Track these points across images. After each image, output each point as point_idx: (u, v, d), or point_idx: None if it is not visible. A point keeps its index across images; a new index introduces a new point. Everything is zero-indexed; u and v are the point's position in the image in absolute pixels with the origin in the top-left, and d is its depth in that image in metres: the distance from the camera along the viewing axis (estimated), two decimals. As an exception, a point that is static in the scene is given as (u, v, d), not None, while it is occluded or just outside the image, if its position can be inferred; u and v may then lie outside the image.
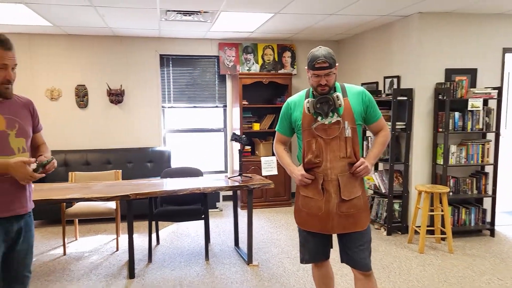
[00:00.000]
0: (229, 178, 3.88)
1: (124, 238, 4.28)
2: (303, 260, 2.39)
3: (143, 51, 5.82)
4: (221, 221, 5.15)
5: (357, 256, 2.27)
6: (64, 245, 3.95)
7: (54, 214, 4.77)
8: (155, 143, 6.00)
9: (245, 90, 5.89)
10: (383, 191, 4.67)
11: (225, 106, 6.30)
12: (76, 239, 4.39)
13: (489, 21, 4.46)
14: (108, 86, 5.70)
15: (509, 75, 5.51)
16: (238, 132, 5.88)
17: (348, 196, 2.23)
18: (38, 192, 3.21)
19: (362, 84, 5.54)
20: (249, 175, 4.04)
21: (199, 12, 4.19)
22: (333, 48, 6.39)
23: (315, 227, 2.29)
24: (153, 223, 3.99)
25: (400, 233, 4.61)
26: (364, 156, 2.33)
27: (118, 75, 5.76)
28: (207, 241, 3.81)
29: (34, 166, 1.87)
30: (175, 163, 5.94)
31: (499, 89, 4.33)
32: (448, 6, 4.12)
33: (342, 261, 2.37)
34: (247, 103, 5.88)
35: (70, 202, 3.69)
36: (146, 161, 5.72)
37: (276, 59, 6.31)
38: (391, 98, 4.45)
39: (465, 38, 4.45)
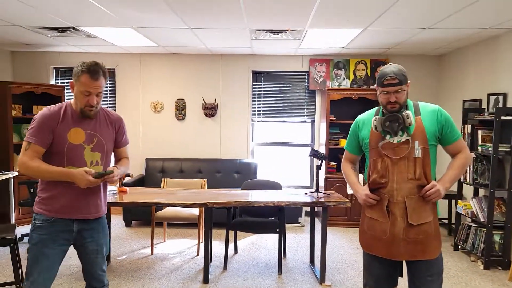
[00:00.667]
0: (305, 193, 3.88)
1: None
2: (366, 286, 2.29)
3: (236, 67, 6.16)
4: (301, 237, 5.14)
5: (425, 287, 2.10)
6: (152, 245, 4.34)
7: (148, 215, 5.28)
8: (243, 155, 6.26)
9: (333, 106, 5.85)
10: (482, 219, 4.20)
11: (314, 121, 6.31)
12: (164, 241, 4.78)
13: None
14: (204, 100, 6.14)
15: None
16: (323, 148, 5.84)
17: (416, 221, 2.09)
18: (131, 195, 3.61)
19: (464, 102, 5.09)
20: (328, 192, 3.99)
21: (286, 30, 4.32)
22: (434, 62, 5.99)
23: (380, 252, 2.19)
24: (232, 232, 4.17)
25: (500, 268, 4.08)
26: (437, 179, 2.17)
27: (213, 90, 6.18)
28: (281, 255, 3.84)
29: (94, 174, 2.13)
30: (260, 175, 6.12)
31: None
32: None
33: (409, 292, 2.21)
34: (334, 118, 5.82)
35: (157, 206, 4.05)
36: (233, 172, 6.00)
37: (369, 74, 6.14)
38: (493, 117, 4.01)
39: None
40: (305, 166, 6.44)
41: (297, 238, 5.07)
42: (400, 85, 2.10)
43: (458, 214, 4.66)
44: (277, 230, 3.89)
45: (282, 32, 4.44)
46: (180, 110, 6.19)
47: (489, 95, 4.52)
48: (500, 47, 4.35)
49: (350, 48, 5.50)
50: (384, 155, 2.16)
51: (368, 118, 2.32)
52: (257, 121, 6.34)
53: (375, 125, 2.17)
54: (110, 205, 3.30)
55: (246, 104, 6.23)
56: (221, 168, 6.03)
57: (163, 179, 4.57)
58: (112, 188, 3.84)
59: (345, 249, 4.68)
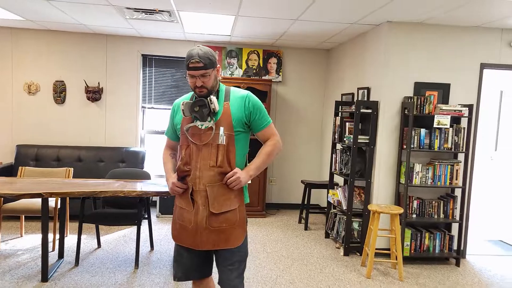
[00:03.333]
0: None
1: (66, 239, 4.24)
2: (175, 277, 2.21)
3: (124, 50, 5.83)
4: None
5: (225, 276, 2.08)
6: (-1, 240, 3.96)
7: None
8: (131, 143, 5.97)
9: (223, 95, 5.76)
10: (344, 208, 4.39)
11: (207, 110, 6.18)
12: (21, 236, 4.38)
13: (465, 34, 4.12)
14: (86, 83, 5.74)
15: (502, 93, 5.08)
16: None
17: (218, 209, 2.05)
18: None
19: (342, 95, 5.29)
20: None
21: (154, 10, 4.12)
22: (323, 56, 6.16)
23: (187, 242, 2.12)
24: (95, 226, 3.91)
25: (358, 254, 4.30)
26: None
27: (97, 72, 5.79)
28: (138, 248, 3.67)
29: None
30: (149, 165, 5.89)
31: (470, 107, 3.97)
32: (417, 16, 3.83)
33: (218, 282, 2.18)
34: (224, 108, 5.74)
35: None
36: (118, 161, 5.69)
37: (261, 65, 6.15)
38: (354, 109, 4.18)
39: (438, 51, 4.12)
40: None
41: (175, 229, 4.94)
42: (205, 69, 2.02)
43: (329, 203, 4.84)
44: (136, 222, 3.72)
45: (155, 13, 4.23)
46: (59, 92, 5.73)
47: (358, 89, 4.73)
48: (367, 43, 4.55)
49: (239, 37, 5.44)
50: (190, 141, 2.08)
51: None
52: (148, 108, 6.08)
53: (183, 110, 2.09)
54: None
55: (136, 90, 5.93)
56: (105, 156, 5.69)
57: (20, 167, 4.17)
58: None
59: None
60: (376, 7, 3.62)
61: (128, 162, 5.70)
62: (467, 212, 4.23)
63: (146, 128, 6.14)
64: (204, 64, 2.01)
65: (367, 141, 4.23)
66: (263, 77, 6.11)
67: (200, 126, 2.09)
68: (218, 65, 2.12)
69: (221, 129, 2.06)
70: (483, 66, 4.15)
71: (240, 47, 6.06)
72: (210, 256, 2.20)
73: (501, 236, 5.00)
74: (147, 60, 6.00)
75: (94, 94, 5.75)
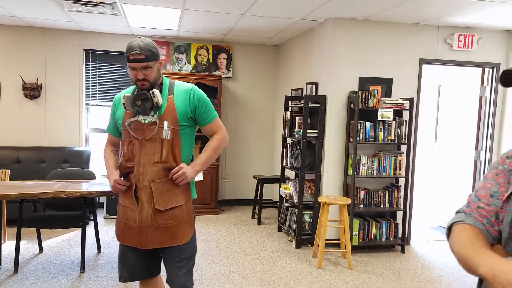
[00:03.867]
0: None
1: (5, 246, 3.96)
2: (121, 278, 2.13)
3: (64, 44, 5.52)
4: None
5: (173, 274, 2.03)
6: None
7: None
8: (75, 143, 5.68)
9: (172, 91, 5.61)
10: (296, 201, 4.45)
11: (157, 107, 6.01)
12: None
13: (405, 31, 4.31)
14: (23, 80, 5.37)
15: (439, 87, 5.38)
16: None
17: (163, 206, 1.99)
18: None
19: (292, 90, 5.35)
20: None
21: (95, 3, 3.93)
22: (272, 52, 6.19)
23: (131, 241, 2.04)
24: (36, 230, 3.67)
25: (310, 245, 4.39)
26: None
27: (35, 68, 5.44)
28: (84, 251, 3.50)
29: None
30: (95, 164, 5.63)
31: (411, 100, 4.17)
32: (360, 13, 3.95)
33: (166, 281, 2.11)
34: (173, 104, 5.61)
35: None
36: (61, 161, 5.39)
37: (211, 61, 6.08)
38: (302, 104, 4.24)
39: (381, 47, 4.28)
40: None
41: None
42: (147, 61, 1.95)
43: (281, 197, 4.89)
44: (80, 224, 3.53)
45: (96, 5, 4.04)
46: (-7, 90, 5.32)
47: (306, 84, 4.80)
48: (314, 39, 4.64)
49: (187, 31, 5.33)
50: (133, 136, 2.00)
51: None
52: (92, 105, 5.81)
53: (124, 104, 2.00)
54: None
55: (78, 86, 5.64)
56: (46, 157, 5.36)
57: None
58: None
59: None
60: (320, 3, 3.69)
61: (72, 162, 5.42)
62: (410, 201, 4.44)
63: (91, 126, 5.87)
64: (146, 56, 1.94)
65: (316, 135, 4.31)
66: (213, 73, 6.04)
67: (142, 121, 2.01)
68: (161, 58, 2.05)
69: (165, 123, 2.00)
70: (422, 61, 4.37)
71: (189, 42, 5.95)
72: (157, 254, 2.13)
73: (442, 223, 5.31)
74: (90, 55, 5.73)
75: (32, 91, 5.40)
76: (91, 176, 3.94)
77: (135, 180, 1.99)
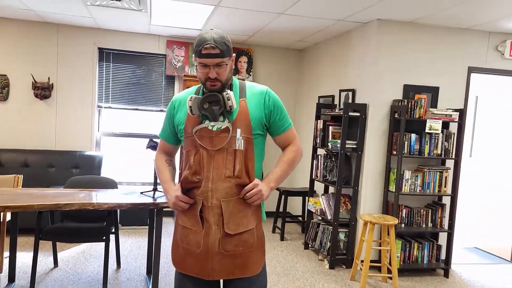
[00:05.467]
0: (141, 193, 3.25)
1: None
2: (176, 315, 1.77)
3: (78, 42, 5.18)
4: (147, 242, 4.46)
5: (244, 313, 1.67)
6: None
7: None
8: (86, 147, 5.31)
9: (192, 95, 5.26)
10: (329, 217, 4.11)
11: (172, 111, 5.66)
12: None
13: (454, 36, 4.03)
14: (34, 78, 5.01)
15: (477, 98, 5.11)
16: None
17: (234, 230, 1.65)
18: None
19: (320, 98, 5.03)
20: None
21: (123, -4, 3.61)
22: (296, 57, 5.88)
23: (193, 269, 1.69)
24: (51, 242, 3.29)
25: (344, 267, 4.04)
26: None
27: (46, 67, 5.08)
28: (107, 266, 3.13)
29: None
30: (106, 170, 5.26)
31: (461, 112, 3.87)
32: (409, 14, 3.66)
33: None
34: (192, 109, 5.26)
35: None
36: (71, 167, 5.02)
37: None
38: (342, 113, 3.92)
39: (427, 53, 3.99)
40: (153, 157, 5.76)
41: (142, 244, 4.40)
42: (222, 57, 1.62)
43: (310, 212, 4.55)
44: (104, 238, 3.17)
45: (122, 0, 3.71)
46: (1, 88, 4.94)
47: (340, 91, 4.49)
48: (351, 43, 4.34)
49: (210, 32, 5.01)
50: (200, 145, 1.66)
51: (186, 98, 1.80)
52: (105, 107, 5.45)
53: (191, 107, 1.66)
54: None
55: (91, 87, 5.29)
56: (55, 161, 4.99)
57: (-48, 175, 3.45)
58: None
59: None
60: (370, 3, 3.39)
61: (82, 167, 5.06)
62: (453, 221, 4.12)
63: (103, 130, 5.51)
64: (221, 51, 1.61)
65: (355, 146, 3.99)
66: (233, 77, 5.71)
67: (210, 127, 1.67)
68: (234, 54, 1.72)
69: (238, 131, 1.67)
70: (470, 69, 4.08)
71: (210, 44, 5.62)
72: (219, 286, 1.78)
73: (476, 243, 5.00)
74: (104, 54, 5.38)
75: (43, 91, 5.03)
76: (113, 185, 3.58)
77: (201, 198, 1.65)
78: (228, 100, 1.64)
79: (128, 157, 5.64)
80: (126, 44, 5.34)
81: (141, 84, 5.54)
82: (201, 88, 1.77)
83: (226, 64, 1.65)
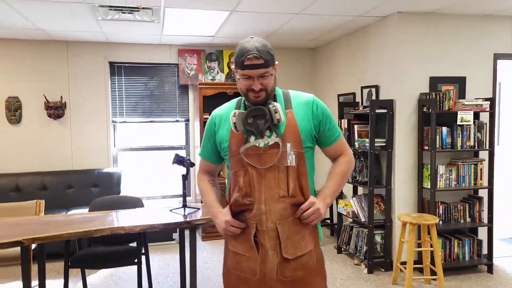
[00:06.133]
0: (171, 210, 3.13)
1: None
2: None
3: (89, 58, 5.08)
4: (175, 258, 4.34)
5: None
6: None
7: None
8: (103, 164, 5.21)
9: (207, 102, 5.12)
10: (363, 220, 3.97)
11: (188, 120, 5.57)
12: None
13: (478, 23, 3.87)
14: (46, 98, 4.92)
15: (500, 85, 4.93)
16: (198, 151, 5.13)
17: (293, 254, 1.53)
18: None
19: (339, 96, 4.89)
20: (200, 205, 3.30)
21: (137, 8, 3.49)
22: (309, 56, 5.74)
23: (249, 300, 1.56)
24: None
25: (383, 270, 3.89)
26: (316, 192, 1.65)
27: (58, 85, 4.99)
28: (141, 290, 3.02)
29: None
30: (126, 187, 5.16)
31: (492, 100, 3.72)
32: (431, 5, 3.51)
33: None
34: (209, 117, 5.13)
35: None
36: (90, 186, 4.93)
37: (244, 68, 5.62)
38: (368, 110, 3.78)
39: (451, 43, 3.83)
40: (182, 171, 5.63)
41: (170, 260, 4.28)
42: (266, 66, 1.50)
43: (340, 215, 4.41)
44: (136, 260, 3.06)
45: (135, 11, 3.60)
46: (14, 111, 4.86)
47: (362, 88, 4.35)
48: (370, 38, 4.19)
49: (221, 37, 4.90)
50: (248, 164, 1.54)
51: (227, 113, 1.68)
52: (120, 122, 5.36)
53: (235, 123, 1.54)
54: None
55: (104, 102, 5.19)
56: (73, 181, 4.90)
57: (-26, 206, 3.36)
58: None
59: (224, 267, 4.06)
60: (394, -5, 3.26)
61: (101, 186, 4.97)
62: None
63: (119, 146, 5.41)
64: (265, 61, 1.49)
65: (384, 144, 3.85)
66: (248, 81, 5.59)
67: (259, 144, 1.55)
68: (277, 62, 1.59)
69: (288, 145, 1.54)
70: (496, 56, 3.92)
71: (221, 49, 5.51)
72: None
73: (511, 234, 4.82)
74: (116, 68, 5.29)
75: (56, 110, 4.94)
76: (139, 204, 3.46)
77: (254, 221, 1.53)
78: (276, 113, 1.51)
79: (148, 171, 5.53)
80: (137, 56, 5.24)
81: (154, 96, 5.43)
82: (242, 101, 1.65)
83: (271, 74, 1.53)
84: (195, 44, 5.32)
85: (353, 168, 1.76)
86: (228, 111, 1.67)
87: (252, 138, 1.57)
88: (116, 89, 5.30)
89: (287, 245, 1.52)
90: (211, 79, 5.47)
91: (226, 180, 1.72)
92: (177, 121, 5.56)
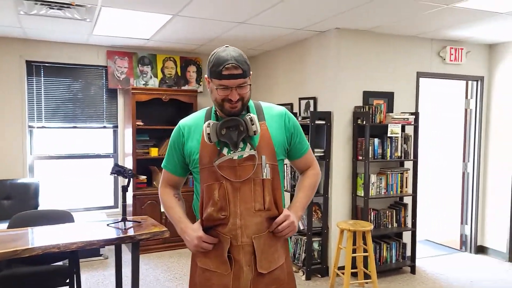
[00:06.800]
0: (108, 225, 2.89)
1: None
2: None
3: (1, 55, 4.53)
4: (105, 274, 4.03)
5: None
6: None
7: None
8: (17, 174, 4.66)
9: (140, 109, 4.86)
10: (301, 227, 4.05)
11: (116, 126, 5.23)
12: None
13: (405, 43, 4.22)
14: None
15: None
16: (130, 159, 4.85)
17: (267, 268, 1.50)
18: None
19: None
20: (139, 219, 3.10)
21: (70, 5, 3.20)
22: (242, 65, 5.75)
23: (220, 319, 1.49)
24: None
25: (320, 276, 4.01)
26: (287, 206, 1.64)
27: (-36, 84, 4.37)
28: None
29: None
30: (45, 199, 4.66)
31: (416, 114, 4.07)
32: (366, 23, 3.75)
33: None
34: (142, 123, 4.89)
35: None
36: (2, 198, 4.39)
37: (179, 74, 5.47)
38: (308, 121, 3.90)
39: (382, 60, 4.13)
40: (109, 181, 5.28)
41: (100, 278, 3.94)
42: (245, 77, 1.47)
43: (277, 223, 4.46)
44: (68, 281, 2.76)
45: (65, 7, 3.29)
46: None
47: (300, 99, 4.48)
48: (309, 51, 4.34)
49: (156, 41, 4.70)
50: (222, 177, 1.47)
51: (196, 123, 1.60)
52: (38, 128, 4.85)
53: (208, 134, 1.46)
54: None
55: (20, 105, 4.67)
56: (-19, 193, 4.30)
57: None
58: None
59: (162, 282, 3.86)
60: (332, 13, 3.40)
61: (15, 198, 4.46)
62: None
63: (36, 153, 4.89)
64: (244, 71, 1.45)
65: (322, 154, 3.99)
66: (183, 87, 5.45)
67: (233, 157, 1.49)
68: (251, 72, 1.56)
69: (263, 158, 1.51)
70: (419, 74, 4.30)
71: (154, 54, 5.29)
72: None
73: (427, 236, 5.30)
74: (34, 68, 4.79)
75: (-40, 112, 4.31)
76: (69, 218, 3.13)
77: (229, 236, 1.46)
78: (252, 124, 1.47)
79: (70, 181, 5.08)
80: (59, 55, 4.81)
81: (79, 100, 5.01)
82: (213, 112, 1.58)
83: (249, 84, 1.49)
84: (127, 46, 5.04)
85: (319, 180, 1.78)
86: (197, 121, 1.59)
87: (225, 150, 1.51)
88: (35, 91, 4.80)
89: (261, 260, 1.48)
90: (143, 84, 5.22)
91: (194, 194, 1.63)
92: (104, 127, 5.20)
